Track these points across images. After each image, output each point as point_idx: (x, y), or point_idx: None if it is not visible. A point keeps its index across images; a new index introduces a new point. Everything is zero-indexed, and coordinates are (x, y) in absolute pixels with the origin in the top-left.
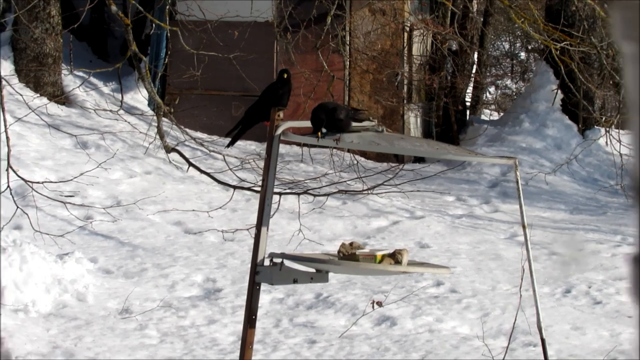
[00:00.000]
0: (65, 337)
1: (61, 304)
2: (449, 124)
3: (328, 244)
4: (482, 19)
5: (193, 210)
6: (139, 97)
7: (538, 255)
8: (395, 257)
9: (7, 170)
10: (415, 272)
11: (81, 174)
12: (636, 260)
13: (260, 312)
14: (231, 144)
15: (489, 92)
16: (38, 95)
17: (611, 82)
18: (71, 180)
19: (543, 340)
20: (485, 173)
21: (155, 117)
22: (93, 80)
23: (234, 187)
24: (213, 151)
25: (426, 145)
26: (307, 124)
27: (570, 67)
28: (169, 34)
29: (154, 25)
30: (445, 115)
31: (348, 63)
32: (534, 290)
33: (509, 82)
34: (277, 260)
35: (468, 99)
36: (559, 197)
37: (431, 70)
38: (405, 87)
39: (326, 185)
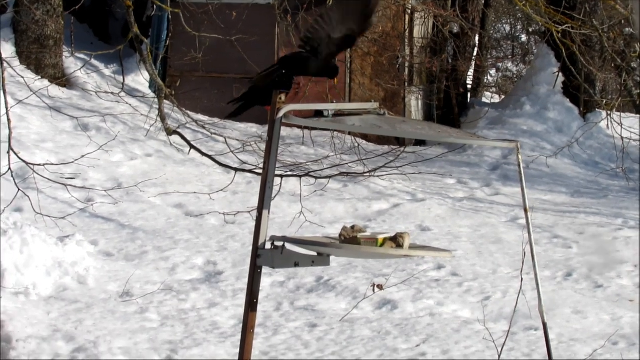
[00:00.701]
0: (66, 320)
1: (62, 287)
2: (450, 107)
3: (329, 227)
4: (483, 1)
5: (194, 192)
6: (140, 80)
7: (539, 239)
8: (396, 240)
9: (8, 152)
10: (416, 256)
11: (82, 157)
12: None
13: (261, 295)
14: (230, 117)
15: (490, 75)
16: (39, 77)
17: (612, 65)
18: (72, 162)
19: (544, 324)
20: (486, 156)
21: (156, 100)
22: (94, 62)
23: (235, 170)
24: (214, 133)
25: (428, 129)
26: (310, 106)
27: (571, 50)
28: (170, 16)
29: (155, 6)
30: (447, 98)
31: None
32: (535, 274)
33: (510, 64)
34: (279, 243)
35: (469, 81)
36: (560, 180)
37: (432, 53)
38: (407, 70)
39: (327, 168)
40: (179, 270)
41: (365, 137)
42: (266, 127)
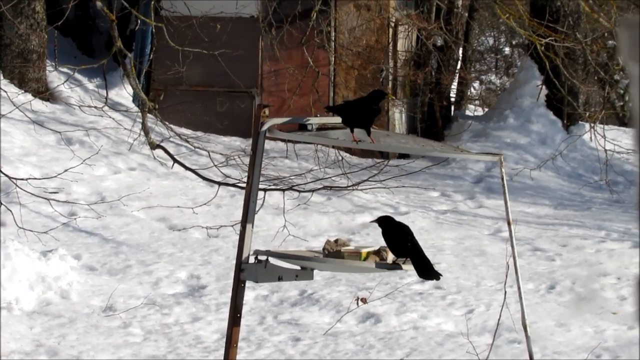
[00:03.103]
0: (49, 335)
1: (45, 302)
2: (434, 120)
3: (313, 240)
4: (467, 14)
5: (177, 206)
6: (123, 93)
7: (522, 251)
8: (380, 254)
9: None
10: (400, 269)
11: (65, 171)
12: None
13: (244, 309)
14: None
15: (474, 88)
16: (22, 91)
17: (595, 78)
18: (55, 176)
19: (528, 337)
20: (469, 168)
21: (139, 113)
22: (78, 76)
23: (219, 184)
24: (198, 147)
25: (412, 142)
26: (294, 120)
27: (555, 63)
28: (154, 30)
29: (139, 21)
30: (430, 111)
31: (333, 59)
32: (518, 287)
33: (493, 77)
34: (262, 257)
35: (453, 94)
36: (544, 193)
37: (416, 66)
38: (390, 83)
39: (311, 182)
40: (163, 284)
41: (349, 150)
42: (250, 141)
